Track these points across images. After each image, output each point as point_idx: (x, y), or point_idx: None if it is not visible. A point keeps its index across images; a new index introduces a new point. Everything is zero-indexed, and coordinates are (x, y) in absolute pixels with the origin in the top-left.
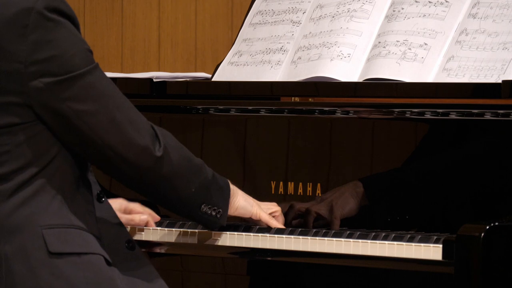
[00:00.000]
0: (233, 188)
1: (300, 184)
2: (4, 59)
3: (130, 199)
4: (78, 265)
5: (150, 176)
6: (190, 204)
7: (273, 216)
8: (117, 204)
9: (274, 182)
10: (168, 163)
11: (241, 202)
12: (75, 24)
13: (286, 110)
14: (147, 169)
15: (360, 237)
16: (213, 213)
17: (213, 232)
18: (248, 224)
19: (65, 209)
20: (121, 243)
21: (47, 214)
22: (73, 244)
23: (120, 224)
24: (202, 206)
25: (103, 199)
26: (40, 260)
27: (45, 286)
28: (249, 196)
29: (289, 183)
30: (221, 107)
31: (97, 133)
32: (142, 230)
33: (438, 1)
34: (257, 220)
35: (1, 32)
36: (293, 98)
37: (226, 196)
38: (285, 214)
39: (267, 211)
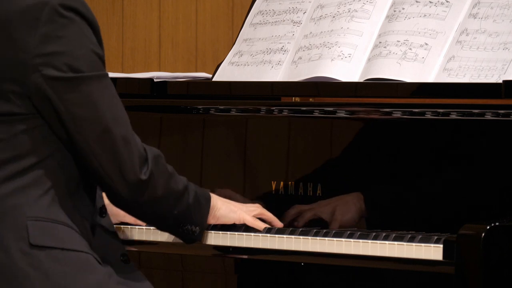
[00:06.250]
0: (213, 200)
1: (301, 184)
2: (12, 48)
3: None
4: (59, 259)
5: (131, 196)
6: (170, 223)
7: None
8: None
9: (275, 182)
10: (152, 187)
11: (222, 211)
12: (93, 27)
13: (286, 110)
14: (129, 188)
15: (361, 237)
16: (193, 229)
17: (213, 231)
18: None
19: (57, 206)
20: (117, 256)
21: (36, 207)
22: (57, 239)
23: (116, 236)
24: (181, 225)
25: (104, 215)
26: (20, 250)
27: (21, 275)
28: (230, 202)
29: (290, 183)
30: (222, 107)
31: (86, 139)
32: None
33: (438, 1)
34: (242, 224)
35: (13, 21)
36: (293, 98)
37: (205, 214)
38: (286, 214)
39: (251, 213)
